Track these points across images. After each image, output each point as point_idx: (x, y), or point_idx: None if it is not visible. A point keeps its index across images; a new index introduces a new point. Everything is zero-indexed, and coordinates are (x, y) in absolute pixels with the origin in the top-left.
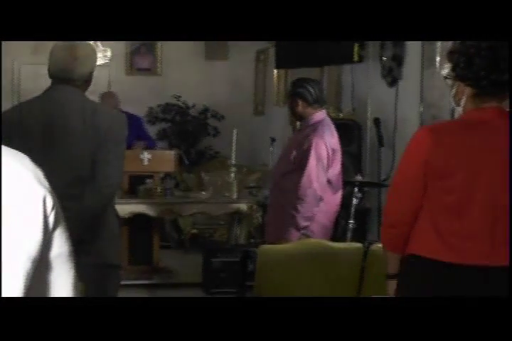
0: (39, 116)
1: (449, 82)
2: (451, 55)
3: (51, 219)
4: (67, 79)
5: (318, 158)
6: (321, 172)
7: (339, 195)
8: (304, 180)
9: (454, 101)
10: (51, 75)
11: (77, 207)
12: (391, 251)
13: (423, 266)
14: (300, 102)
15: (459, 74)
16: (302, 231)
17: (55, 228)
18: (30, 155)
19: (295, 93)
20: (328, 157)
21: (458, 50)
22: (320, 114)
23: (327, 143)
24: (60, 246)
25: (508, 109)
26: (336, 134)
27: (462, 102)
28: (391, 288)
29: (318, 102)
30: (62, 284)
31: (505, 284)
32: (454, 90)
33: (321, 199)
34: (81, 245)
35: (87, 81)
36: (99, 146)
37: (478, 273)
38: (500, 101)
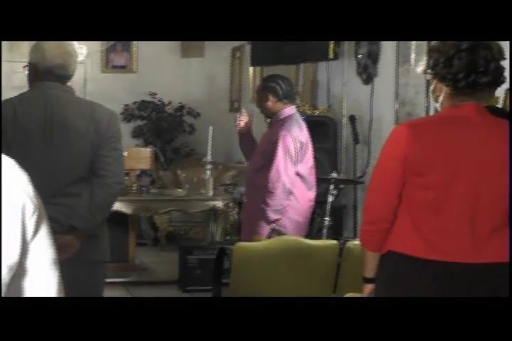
0: (37, 115)
1: (428, 77)
2: (431, 53)
3: (30, 227)
4: (62, 75)
5: (286, 151)
6: (289, 165)
7: (313, 191)
8: (272, 173)
9: (432, 97)
10: (46, 72)
11: (80, 205)
12: (370, 249)
13: (402, 262)
14: (270, 97)
15: (438, 73)
16: (272, 225)
17: (35, 235)
18: (28, 154)
19: (266, 88)
20: (296, 150)
21: (438, 48)
22: (289, 110)
23: (294, 137)
24: (41, 253)
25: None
26: (304, 129)
27: (440, 99)
28: (367, 292)
29: (288, 98)
30: (42, 292)
31: (488, 281)
32: (432, 86)
33: (290, 192)
34: (88, 242)
35: (70, 78)
36: (100, 144)
37: (459, 270)
38: (479, 100)
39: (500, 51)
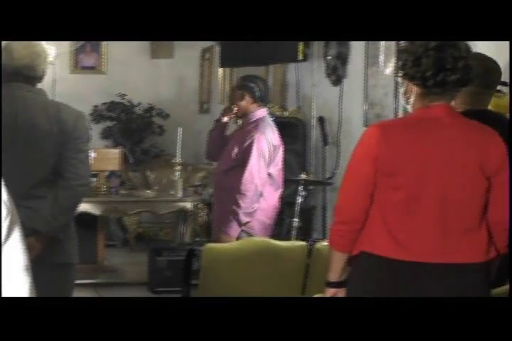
0: (4, 116)
1: (399, 79)
2: (400, 54)
3: (3, 231)
4: (31, 76)
5: (260, 154)
6: (263, 167)
7: (280, 192)
8: (246, 175)
9: (404, 99)
10: (14, 73)
11: (44, 207)
12: (339, 249)
13: (374, 263)
14: (247, 97)
15: (407, 73)
16: (243, 228)
17: (6, 239)
18: None
19: (244, 87)
20: (270, 153)
21: (407, 49)
22: (262, 112)
23: (268, 139)
24: (13, 257)
25: (456, 107)
26: (276, 131)
27: (411, 100)
28: (329, 295)
29: (263, 100)
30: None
31: (460, 281)
32: (403, 88)
33: (261, 195)
34: (52, 245)
35: (40, 79)
36: (66, 145)
37: (430, 271)
38: (449, 100)
39: (468, 50)
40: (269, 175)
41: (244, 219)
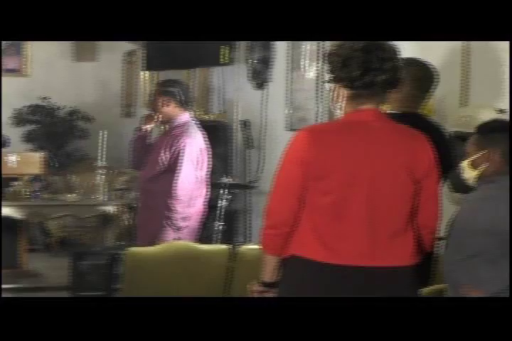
0: None
1: (327, 85)
2: (328, 57)
3: None
4: None
5: (191, 158)
6: (193, 172)
7: (206, 196)
8: (179, 180)
9: (333, 104)
10: None
11: None
12: (271, 252)
13: (304, 267)
14: (170, 102)
15: (336, 75)
16: (179, 232)
17: None
18: None
19: (166, 92)
20: (198, 157)
21: (335, 52)
22: (186, 116)
23: (197, 144)
24: None
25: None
26: (202, 136)
27: (341, 105)
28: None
29: (187, 104)
30: None
31: (390, 284)
32: (332, 93)
33: (192, 199)
34: None
35: None
36: None
37: (359, 274)
38: (378, 104)
39: (395, 51)
40: (197, 179)
41: (180, 224)
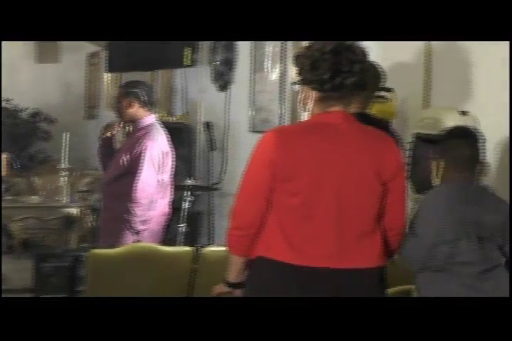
0: None
1: (297, 87)
2: (297, 59)
3: None
4: None
5: (152, 161)
6: (154, 175)
7: (169, 198)
8: (139, 183)
9: (301, 106)
10: None
11: None
12: (236, 253)
13: (271, 268)
14: (134, 103)
15: (304, 77)
16: (137, 235)
17: None
18: None
19: (130, 93)
20: (160, 160)
21: (304, 54)
22: (151, 118)
23: (159, 146)
24: None
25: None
26: (166, 139)
27: (309, 106)
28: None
29: (151, 105)
30: None
31: (356, 286)
32: (301, 94)
33: (153, 202)
34: None
35: None
36: None
37: (326, 276)
38: (346, 106)
39: (364, 53)
40: (160, 182)
41: (139, 227)
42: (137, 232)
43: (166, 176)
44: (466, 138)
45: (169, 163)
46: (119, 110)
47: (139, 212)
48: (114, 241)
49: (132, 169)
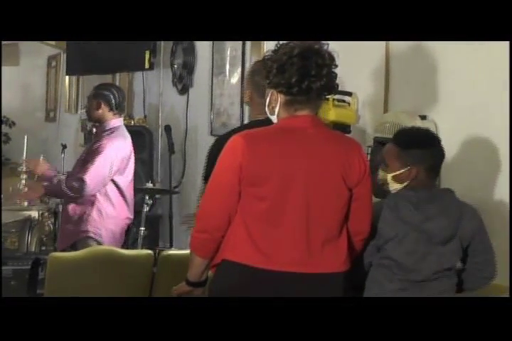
0: None
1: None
2: (265, 63)
3: None
4: None
5: (106, 159)
6: (107, 172)
7: (131, 205)
8: (87, 173)
9: (267, 109)
10: None
11: None
12: (201, 256)
13: (237, 272)
14: (103, 105)
15: (272, 81)
16: (91, 235)
17: None
18: None
19: (100, 95)
20: (117, 161)
21: (271, 57)
22: (117, 121)
23: (118, 148)
24: None
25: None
26: (129, 143)
27: (276, 110)
28: (189, 294)
29: (119, 109)
30: None
31: (322, 291)
32: (268, 99)
33: (112, 204)
34: None
35: None
36: None
37: (292, 280)
38: (314, 110)
39: (332, 57)
40: (117, 185)
41: (93, 230)
42: (91, 236)
43: (127, 181)
44: (432, 145)
45: (130, 168)
46: (88, 110)
47: (95, 217)
48: (70, 243)
49: (86, 164)
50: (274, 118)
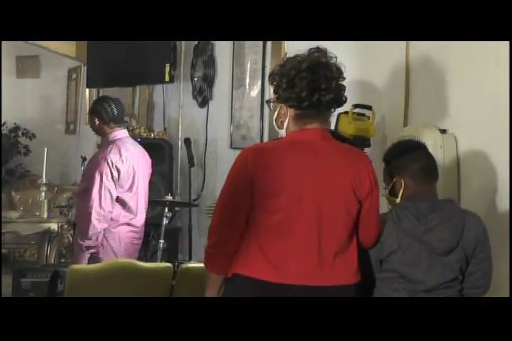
0: None
1: (271, 105)
2: (272, 77)
3: None
4: None
5: (101, 176)
6: (105, 190)
7: (141, 216)
8: (88, 198)
9: (276, 123)
10: None
11: None
12: (214, 271)
13: (248, 285)
14: (96, 120)
15: (281, 95)
16: (88, 251)
17: None
18: None
19: (93, 111)
20: (113, 176)
21: (279, 72)
22: (118, 133)
23: (110, 161)
24: None
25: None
26: (130, 154)
27: (285, 124)
28: None
29: (115, 121)
30: None
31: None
32: (276, 113)
33: (107, 218)
34: None
35: None
36: None
37: (306, 293)
38: (323, 122)
39: (339, 70)
40: (122, 200)
41: (85, 243)
42: (84, 248)
43: (130, 194)
44: (409, 151)
45: (133, 182)
46: (90, 125)
47: (82, 229)
48: (74, 260)
49: (90, 185)
50: (282, 132)
